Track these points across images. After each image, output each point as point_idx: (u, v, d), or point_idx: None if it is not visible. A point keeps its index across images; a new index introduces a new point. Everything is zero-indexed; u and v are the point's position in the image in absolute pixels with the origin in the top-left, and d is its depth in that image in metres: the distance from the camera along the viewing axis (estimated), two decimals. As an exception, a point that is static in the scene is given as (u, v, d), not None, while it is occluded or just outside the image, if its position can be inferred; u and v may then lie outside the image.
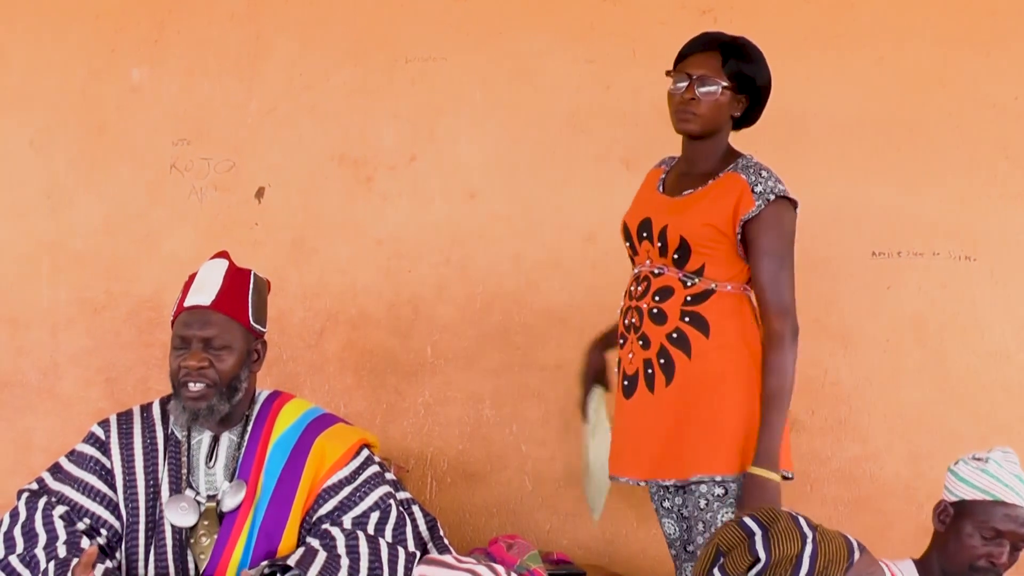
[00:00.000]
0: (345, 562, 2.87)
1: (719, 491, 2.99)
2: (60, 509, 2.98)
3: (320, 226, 4.20)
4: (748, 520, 2.18)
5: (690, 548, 3.07)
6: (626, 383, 3.11)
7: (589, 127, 4.07)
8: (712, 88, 3.05)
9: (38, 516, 2.96)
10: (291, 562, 2.85)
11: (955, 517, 2.92)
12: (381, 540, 2.95)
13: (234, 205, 4.23)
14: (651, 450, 3.06)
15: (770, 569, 2.12)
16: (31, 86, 4.32)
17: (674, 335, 3.01)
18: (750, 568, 2.13)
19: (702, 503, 3.00)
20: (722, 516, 2.97)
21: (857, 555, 2.12)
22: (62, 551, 2.87)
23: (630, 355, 3.10)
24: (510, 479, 4.14)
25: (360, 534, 2.94)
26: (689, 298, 3.01)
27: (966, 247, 3.97)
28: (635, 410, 3.09)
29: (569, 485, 3.96)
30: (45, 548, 2.89)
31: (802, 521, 2.17)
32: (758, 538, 2.15)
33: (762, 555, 2.11)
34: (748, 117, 3.19)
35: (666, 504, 3.12)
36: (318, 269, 4.20)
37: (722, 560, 2.17)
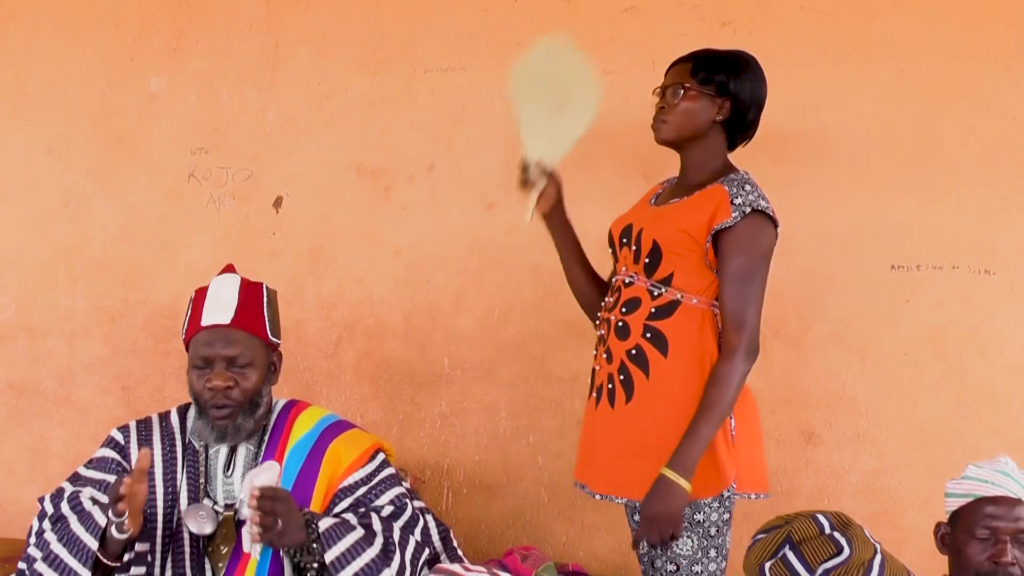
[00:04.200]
0: (359, 531, 2.87)
1: None
2: (88, 492, 2.99)
3: (338, 236, 4.21)
4: (821, 517, 2.31)
5: (657, 564, 3.04)
6: (594, 393, 3.11)
7: (608, 138, 4.05)
8: (678, 93, 3.04)
9: (63, 503, 2.97)
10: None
11: (952, 534, 2.85)
12: (395, 524, 2.96)
13: (252, 214, 4.24)
14: (610, 465, 3.04)
15: (847, 564, 2.21)
16: (50, 94, 4.34)
17: (633, 351, 2.99)
18: (829, 558, 2.23)
19: None
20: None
21: None
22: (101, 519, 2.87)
23: (597, 367, 3.11)
24: (526, 490, 4.13)
25: (374, 515, 2.96)
26: (654, 310, 2.98)
27: (985, 260, 3.95)
28: (598, 421, 3.08)
29: (586, 497, 3.95)
30: (82, 524, 2.91)
31: (866, 531, 2.30)
32: (837, 534, 2.26)
33: (846, 548, 2.22)
34: (740, 130, 3.13)
35: (636, 517, 3.10)
36: (335, 279, 4.21)
37: (788, 548, 2.26)
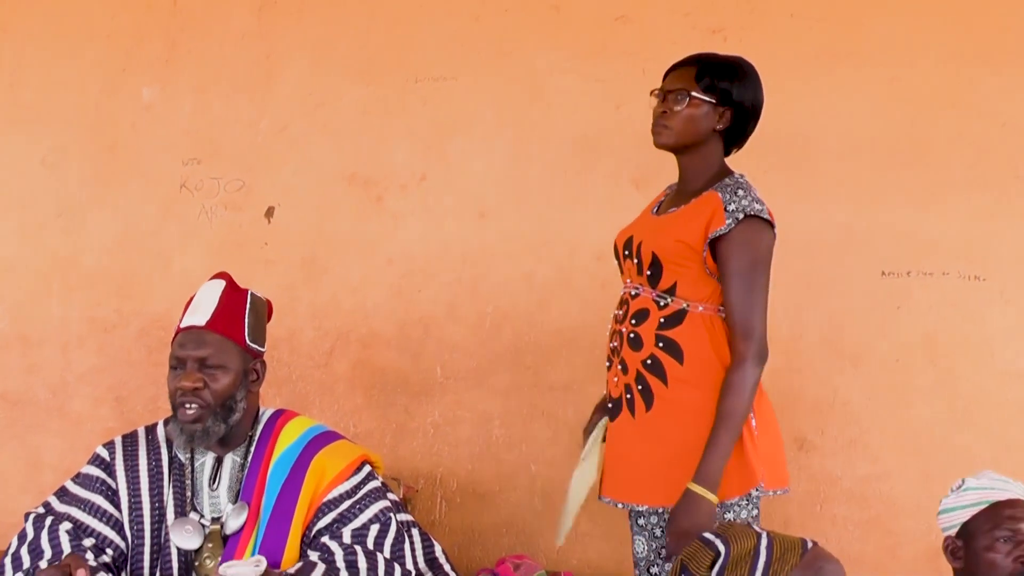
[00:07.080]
0: (344, 575, 2.87)
1: None
2: (66, 525, 2.99)
3: (331, 245, 4.21)
4: (706, 534, 2.35)
5: (653, 571, 3.04)
6: (611, 405, 3.11)
7: (599, 146, 4.07)
8: (682, 99, 3.03)
9: (44, 534, 2.97)
10: (291, 570, 2.85)
11: (965, 546, 2.78)
12: (379, 555, 2.95)
13: (244, 224, 4.25)
14: (629, 474, 3.04)
15: (731, 562, 2.24)
16: (43, 105, 4.35)
17: (648, 361, 3.00)
18: (712, 564, 2.25)
19: None
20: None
21: (810, 545, 2.27)
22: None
23: (615, 379, 3.11)
24: (519, 499, 4.13)
25: (358, 548, 2.94)
26: (663, 320, 2.99)
27: (976, 266, 3.96)
28: (617, 433, 3.09)
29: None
30: (50, 561, 2.90)
31: (755, 526, 2.34)
32: (713, 538, 2.30)
33: (721, 547, 2.26)
34: (737, 136, 3.13)
35: (640, 522, 3.09)
36: (329, 288, 4.21)
37: (683, 573, 2.31)
